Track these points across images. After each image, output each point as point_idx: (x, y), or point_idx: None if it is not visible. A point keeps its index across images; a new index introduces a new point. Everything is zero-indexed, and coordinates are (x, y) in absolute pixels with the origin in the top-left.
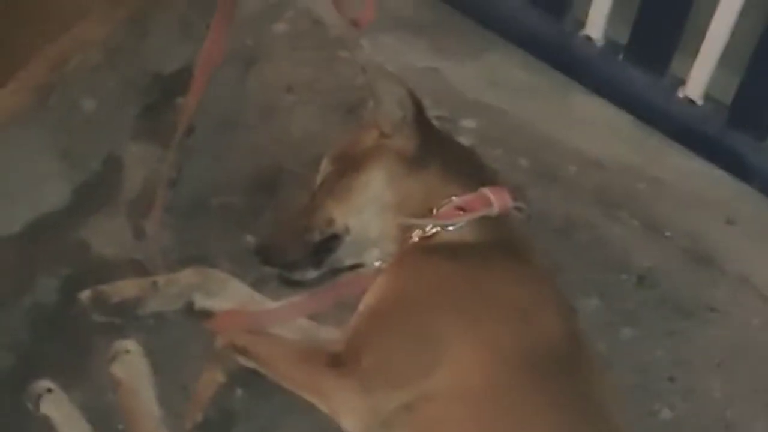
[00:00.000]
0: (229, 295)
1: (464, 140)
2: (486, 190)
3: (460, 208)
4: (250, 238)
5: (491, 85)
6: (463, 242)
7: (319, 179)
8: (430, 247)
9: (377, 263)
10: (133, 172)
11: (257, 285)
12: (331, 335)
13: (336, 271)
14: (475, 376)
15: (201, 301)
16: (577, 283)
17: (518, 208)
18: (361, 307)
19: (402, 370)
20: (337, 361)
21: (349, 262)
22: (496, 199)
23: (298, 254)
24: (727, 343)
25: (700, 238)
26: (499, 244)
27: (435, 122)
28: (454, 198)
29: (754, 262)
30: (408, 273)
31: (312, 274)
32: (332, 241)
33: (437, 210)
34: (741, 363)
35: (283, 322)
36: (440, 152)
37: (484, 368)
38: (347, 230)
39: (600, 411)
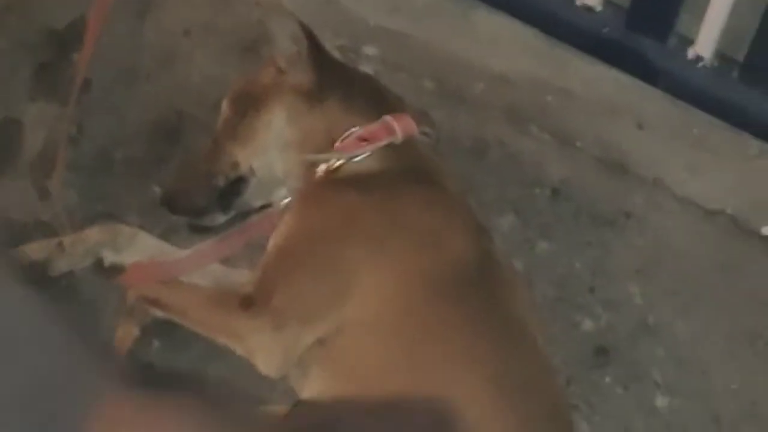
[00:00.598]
0: (137, 248)
1: (367, 68)
2: (389, 118)
3: (363, 139)
4: (156, 189)
5: (392, 11)
6: (369, 172)
7: (219, 122)
8: (335, 180)
9: (285, 201)
10: (33, 133)
11: (167, 235)
12: (243, 278)
13: (245, 214)
14: (386, 303)
15: (110, 257)
16: (491, 202)
17: (425, 133)
18: (270, 245)
19: (313, 304)
20: (249, 302)
21: (257, 203)
22: (399, 127)
23: (204, 200)
24: (645, 249)
25: (612, 146)
26: (407, 171)
27: (336, 53)
28: (355, 129)
29: (666, 164)
30: (313, 207)
31: (221, 218)
32: (238, 184)
33: (340, 142)
34: (659, 267)
35: (194, 269)
36: (339, 84)
37: (394, 295)
38: (252, 172)
39: (519, 327)
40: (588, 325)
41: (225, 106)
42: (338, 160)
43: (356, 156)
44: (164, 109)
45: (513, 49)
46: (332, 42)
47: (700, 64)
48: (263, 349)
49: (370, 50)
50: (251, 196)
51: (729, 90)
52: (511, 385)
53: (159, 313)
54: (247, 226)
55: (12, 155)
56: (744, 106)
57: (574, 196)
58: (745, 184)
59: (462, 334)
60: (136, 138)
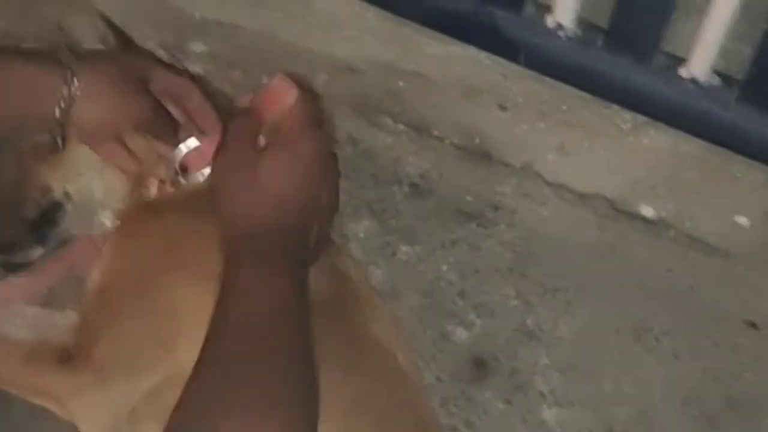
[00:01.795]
0: None
1: (196, 67)
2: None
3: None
4: None
5: (220, 0)
6: (193, 190)
7: (23, 145)
8: (155, 203)
9: (110, 224)
10: None
11: None
12: (69, 320)
13: (66, 243)
14: None
15: None
16: (344, 206)
17: None
18: (89, 284)
19: (139, 351)
20: (67, 356)
21: (79, 231)
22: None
23: (14, 234)
24: (518, 243)
25: (473, 132)
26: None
27: (160, 52)
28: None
29: (534, 148)
30: (132, 237)
31: (37, 251)
32: (53, 212)
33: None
34: (534, 262)
35: (2, 310)
36: None
37: None
38: (68, 197)
39: (376, 349)
40: (461, 334)
41: None
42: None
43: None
44: None
45: (355, 32)
46: (154, 40)
47: (562, 34)
48: (87, 411)
49: (197, 47)
50: (70, 224)
51: (595, 60)
52: (372, 418)
53: None
54: (64, 254)
55: None
56: (612, 77)
57: (435, 191)
58: (620, 162)
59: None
60: None
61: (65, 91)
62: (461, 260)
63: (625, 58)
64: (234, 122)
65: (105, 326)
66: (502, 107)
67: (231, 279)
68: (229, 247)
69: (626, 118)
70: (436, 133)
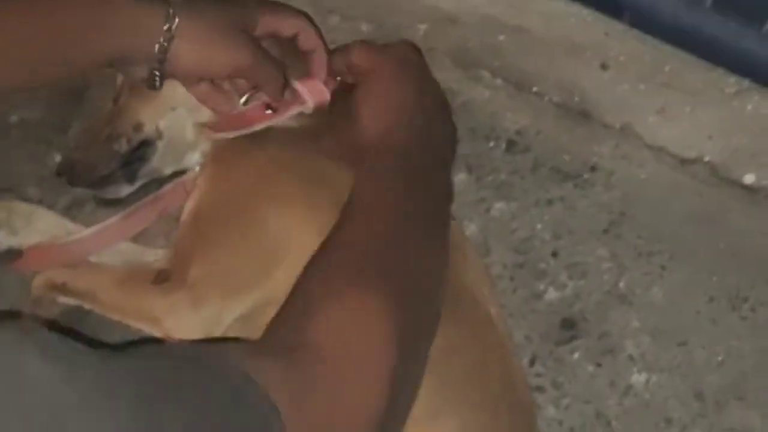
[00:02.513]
0: (36, 228)
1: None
2: (298, 85)
3: (268, 106)
4: (58, 158)
5: None
6: (284, 127)
7: (119, 79)
8: (248, 138)
9: (198, 167)
10: None
11: (72, 210)
12: (158, 256)
13: (155, 183)
14: None
15: (6, 241)
16: None
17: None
18: (184, 215)
19: (234, 275)
20: (163, 279)
21: (168, 170)
22: (309, 95)
23: (107, 168)
24: (614, 205)
25: (574, 90)
26: (328, 126)
27: None
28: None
29: (635, 109)
30: (226, 169)
31: (127, 189)
32: (144, 148)
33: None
34: (630, 224)
35: (100, 249)
36: None
37: None
38: (159, 134)
39: (470, 300)
40: (552, 294)
41: None
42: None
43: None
44: None
45: None
46: None
47: None
48: (181, 330)
49: None
50: (159, 162)
51: (702, 21)
52: (460, 369)
53: (67, 300)
54: (157, 198)
55: None
56: (719, 39)
57: (532, 148)
58: (724, 127)
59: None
60: (34, 100)
61: (166, 28)
62: (556, 219)
63: (733, 20)
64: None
65: (200, 251)
66: (604, 66)
67: (361, 179)
68: (360, 156)
69: (731, 82)
70: (535, 89)
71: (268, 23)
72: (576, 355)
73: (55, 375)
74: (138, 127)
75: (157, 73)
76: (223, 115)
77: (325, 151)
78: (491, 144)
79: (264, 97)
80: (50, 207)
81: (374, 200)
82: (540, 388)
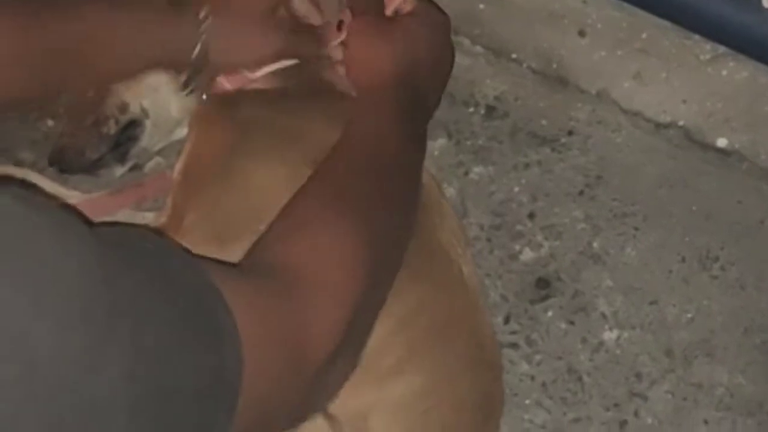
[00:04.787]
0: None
1: None
2: None
3: None
4: (50, 123)
5: None
6: (266, 89)
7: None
8: (227, 100)
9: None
10: None
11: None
12: (146, 219)
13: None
14: None
15: None
16: None
17: None
18: (174, 175)
19: (226, 223)
20: (160, 232)
21: (157, 147)
22: None
23: (97, 152)
24: (589, 168)
25: (551, 57)
26: (309, 88)
27: None
28: None
29: (611, 75)
30: (208, 129)
31: (120, 170)
32: (132, 128)
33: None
34: (605, 187)
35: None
36: None
37: None
38: (145, 113)
39: (438, 254)
40: (528, 255)
41: None
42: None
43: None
44: None
45: None
46: None
47: None
48: None
49: None
50: (148, 141)
51: None
52: (428, 327)
53: None
54: (141, 182)
55: None
56: (695, 6)
57: (510, 113)
58: (698, 92)
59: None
60: None
61: (201, 30)
62: (533, 182)
63: None
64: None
65: (193, 199)
66: (581, 33)
67: (352, 124)
68: (359, 101)
69: (705, 48)
70: (513, 56)
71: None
72: (550, 313)
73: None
74: (123, 107)
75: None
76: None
77: (305, 108)
78: (470, 110)
79: None
80: (41, 171)
81: (360, 138)
82: (514, 345)
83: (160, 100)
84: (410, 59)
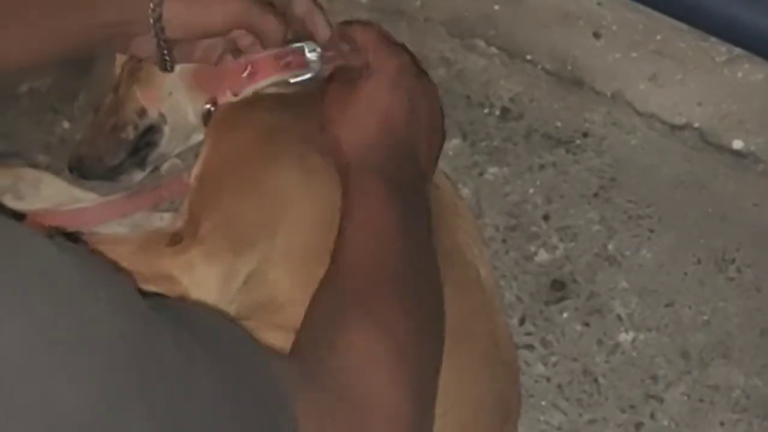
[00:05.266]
0: (42, 195)
1: None
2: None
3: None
4: (66, 125)
5: None
6: (280, 93)
7: (117, 68)
8: (245, 101)
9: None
10: None
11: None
12: (163, 220)
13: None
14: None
15: (11, 205)
16: None
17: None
18: (191, 180)
19: (242, 230)
20: (177, 239)
21: (176, 152)
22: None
23: (117, 158)
24: (604, 170)
25: (566, 58)
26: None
27: None
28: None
29: (626, 77)
30: (226, 132)
31: (139, 175)
32: (151, 134)
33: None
34: (620, 189)
35: (101, 221)
36: None
37: (320, 222)
38: (164, 118)
39: (455, 255)
40: (543, 256)
41: None
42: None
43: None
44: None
45: None
46: None
47: None
48: (198, 287)
49: None
50: (167, 146)
51: None
52: (446, 328)
53: None
54: (158, 185)
55: None
56: (711, 8)
57: (525, 115)
58: (713, 94)
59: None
60: (42, 71)
61: None
62: (548, 184)
63: None
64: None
65: (207, 208)
66: (597, 35)
67: (348, 201)
68: (344, 172)
69: (721, 50)
70: (529, 57)
71: None
72: (565, 315)
73: (69, 261)
74: (142, 112)
75: (165, 50)
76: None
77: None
78: (486, 111)
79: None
80: (57, 174)
81: (366, 220)
82: (529, 347)
83: (176, 105)
84: (381, 126)
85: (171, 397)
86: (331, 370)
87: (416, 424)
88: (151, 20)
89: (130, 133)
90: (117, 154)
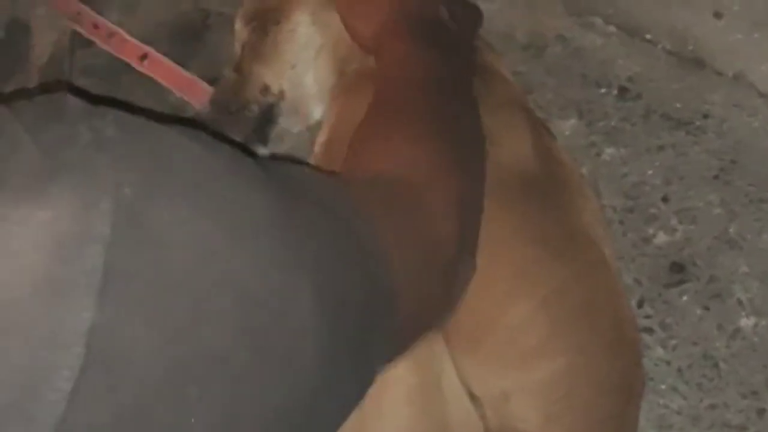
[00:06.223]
0: None
1: None
2: None
3: None
4: (175, 97)
5: None
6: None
7: (237, 47)
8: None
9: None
10: (42, 37)
11: None
12: None
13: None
14: None
15: None
16: (551, 104)
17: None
18: (316, 148)
19: None
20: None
21: (296, 128)
22: None
23: (242, 135)
24: (725, 152)
25: (686, 38)
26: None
27: None
28: None
29: (748, 57)
30: (355, 99)
31: (263, 150)
32: (271, 111)
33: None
34: (741, 172)
35: None
36: None
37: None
38: (282, 94)
39: (585, 240)
40: (662, 238)
41: (239, 27)
42: None
43: None
44: (183, 3)
45: None
46: None
47: None
48: None
49: None
50: (288, 122)
51: None
52: (571, 309)
53: None
54: None
55: (20, 60)
56: None
57: (644, 95)
58: None
59: (523, 243)
60: (156, 39)
61: None
62: (667, 165)
63: None
64: None
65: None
66: (718, 14)
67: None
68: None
69: None
70: (648, 37)
71: None
72: (685, 298)
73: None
74: (265, 90)
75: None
76: None
77: None
78: (603, 90)
79: None
80: None
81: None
82: (648, 330)
83: (296, 78)
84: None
85: (315, 264)
86: (385, 169)
87: (463, 196)
88: None
89: (254, 111)
90: (242, 131)
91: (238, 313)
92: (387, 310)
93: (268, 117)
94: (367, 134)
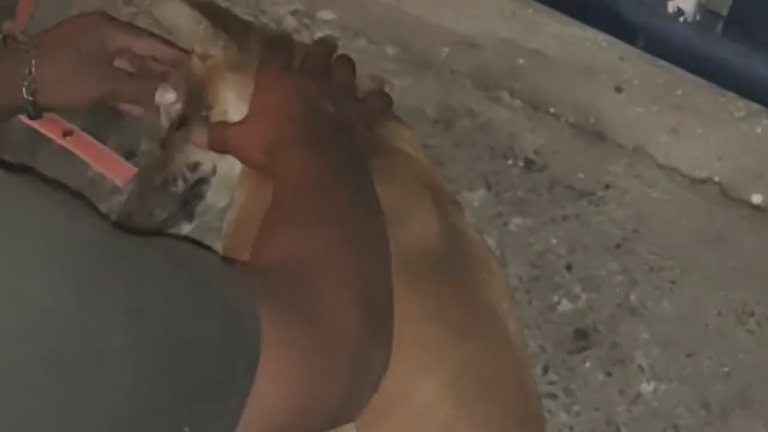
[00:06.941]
0: None
1: (324, 34)
2: None
3: None
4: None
5: None
6: None
7: (164, 123)
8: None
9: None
10: None
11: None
12: None
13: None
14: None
15: None
16: (460, 175)
17: None
18: (225, 226)
19: None
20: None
21: (221, 204)
22: None
23: (166, 212)
24: (626, 222)
25: (589, 111)
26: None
27: (290, 19)
28: None
29: (648, 130)
30: (264, 178)
31: (187, 228)
32: (199, 186)
33: None
34: (642, 241)
35: None
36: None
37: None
38: (214, 170)
39: (489, 315)
40: (566, 306)
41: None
42: None
43: None
44: None
45: (479, 9)
46: (285, 8)
47: (681, 19)
48: None
49: (326, 15)
50: (215, 198)
51: (713, 46)
52: (476, 385)
53: None
54: None
55: None
56: (729, 64)
57: (549, 166)
58: (733, 148)
59: (428, 322)
60: (75, 113)
61: (26, 72)
62: (570, 235)
63: (743, 46)
64: None
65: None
66: (618, 89)
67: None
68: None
69: (740, 105)
70: (552, 110)
71: (122, 43)
72: (588, 364)
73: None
74: (194, 166)
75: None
76: None
77: None
78: (509, 162)
79: None
80: None
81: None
82: (552, 395)
83: (229, 158)
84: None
85: (136, 293)
86: (278, 258)
87: (365, 279)
88: (26, 96)
89: (180, 187)
90: (167, 207)
91: (25, 321)
92: (243, 367)
93: (196, 193)
94: (265, 232)
